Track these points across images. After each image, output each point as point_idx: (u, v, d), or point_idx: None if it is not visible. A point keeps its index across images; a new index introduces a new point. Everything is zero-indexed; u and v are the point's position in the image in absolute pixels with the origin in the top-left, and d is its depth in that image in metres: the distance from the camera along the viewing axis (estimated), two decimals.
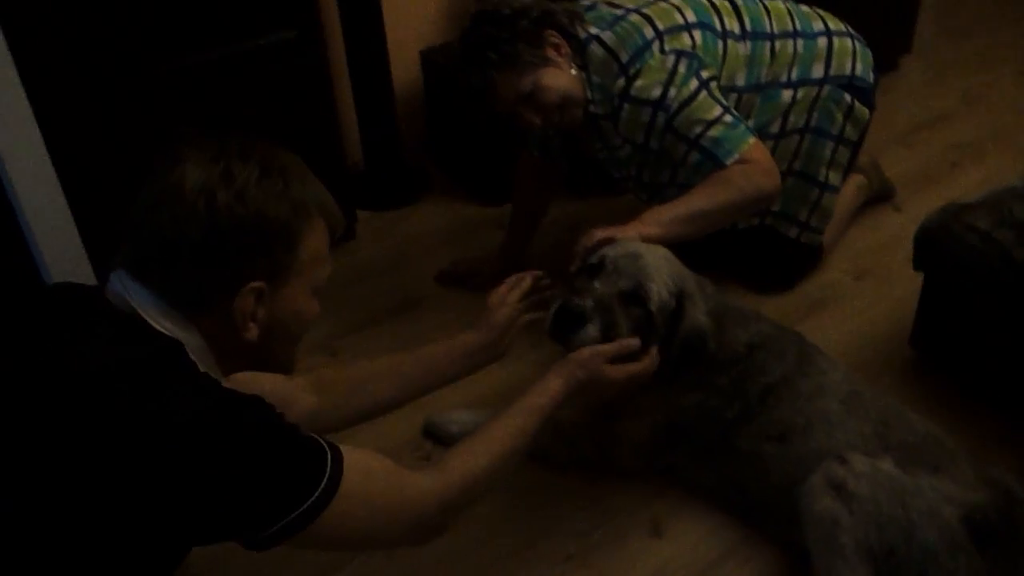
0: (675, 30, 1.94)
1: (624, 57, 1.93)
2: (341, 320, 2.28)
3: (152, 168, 1.11)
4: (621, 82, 1.93)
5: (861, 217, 2.57)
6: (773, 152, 2.03)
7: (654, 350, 1.53)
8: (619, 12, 1.99)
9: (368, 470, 1.14)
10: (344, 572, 1.64)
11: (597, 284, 1.57)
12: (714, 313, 1.65)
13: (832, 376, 1.67)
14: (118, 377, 1.00)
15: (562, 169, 2.34)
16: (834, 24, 2.16)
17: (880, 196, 2.63)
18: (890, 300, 2.26)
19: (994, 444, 1.79)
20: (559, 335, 1.54)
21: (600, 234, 1.71)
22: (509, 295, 1.60)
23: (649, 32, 1.93)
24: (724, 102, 1.93)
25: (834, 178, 2.20)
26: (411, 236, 2.66)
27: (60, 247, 2.02)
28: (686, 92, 1.90)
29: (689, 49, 1.93)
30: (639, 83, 1.92)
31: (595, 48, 1.96)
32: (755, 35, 2.04)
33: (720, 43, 1.99)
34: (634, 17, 1.96)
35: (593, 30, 1.97)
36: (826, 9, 2.23)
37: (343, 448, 1.12)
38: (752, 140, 1.90)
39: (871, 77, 2.17)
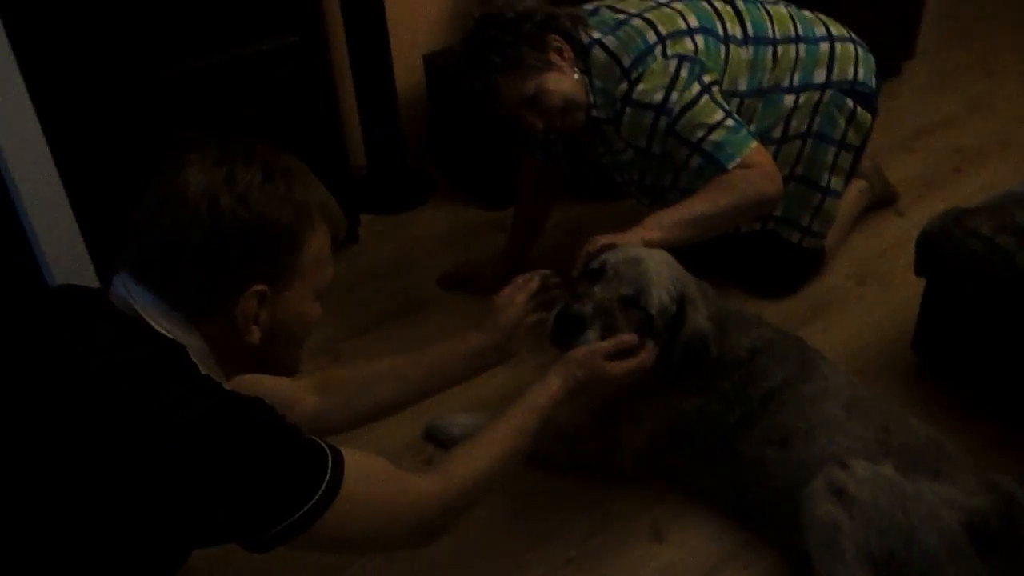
0: (677, 35, 1.95)
1: (626, 61, 1.93)
2: (343, 323, 2.28)
3: (156, 172, 1.11)
4: (623, 86, 1.94)
5: (864, 222, 2.57)
6: (775, 157, 2.03)
7: (650, 344, 1.53)
8: (622, 17, 1.99)
9: (369, 472, 1.14)
10: (345, 575, 1.64)
11: (597, 289, 1.57)
12: (716, 318, 1.64)
13: (834, 381, 1.67)
14: (119, 378, 1.00)
15: (564, 173, 2.35)
16: (836, 29, 2.16)
17: (883, 201, 2.63)
18: (892, 305, 2.26)
19: (996, 449, 1.79)
20: (560, 340, 1.54)
21: (603, 240, 1.71)
22: (516, 296, 1.60)
23: (651, 36, 1.93)
24: (726, 106, 1.93)
25: (836, 183, 2.20)
26: (414, 239, 2.67)
27: (63, 250, 2.03)
28: (688, 96, 1.90)
29: (691, 54, 1.93)
30: (641, 87, 1.92)
31: (598, 52, 1.96)
32: (757, 40, 2.05)
33: (722, 48, 1.99)
34: (637, 22, 1.96)
35: (596, 34, 1.97)
36: (829, 14, 2.23)
37: (344, 450, 1.12)
38: (754, 144, 1.90)
39: (873, 82, 2.18)
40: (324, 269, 1.18)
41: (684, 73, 1.91)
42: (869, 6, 3.00)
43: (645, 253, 1.63)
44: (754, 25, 2.06)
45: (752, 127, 2.00)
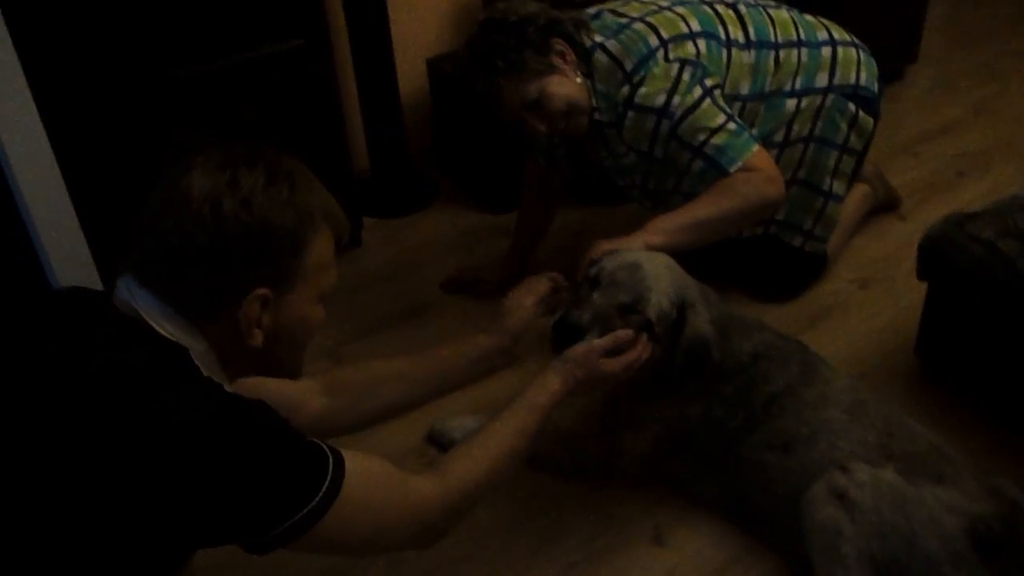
0: (679, 39, 1.95)
1: (629, 65, 1.94)
2: (346, 326, 2.29)
3: (159, 175, 1.11)
4: (625, 90, 1.94)
5: (866, 226, 2.57)
6: (777, 161, 2.03)
7: (644, 337, 1.53)
8: (624, 21, 2.00)
9: (369, 474, 1.14)
10: None
11: (596, 297, 1.57)
12: (718, 322, 1.65)
13: (836, 385, 1.67)
14: (121, 379, 1.01)
15: (567, 177, 2.35)
16: (838, 34, 2.17)
17: (885, 205, 2.63)
18: (895, 309, 2.26)
19: (999, 454, 1.79)
20: (559, 348, 1.54)
21: (606, 245, 1.71)
22: (525, 299, 1.60)
23: (654, 40, 1.94)
24: (728, 110, 1.93)
25: (838, 187, 2.20)
26: (417, 243, 2.67)
27: (67, 253, 2.03)
28: (690, 100, 1.90)
29: (693, 58, 1.94)
30: (643, 91, 1.92)
31: (600, 56, 1.96)
32: (759, 44, 2.05)
33: (724, 52, 2.00)
34: (639, 26, 1.97)
35: (598, 38, 1.98)
36: (832, 18, 2.23)
37: (345, 452, 1.12)
38: (756, 148, 1.90)
39: (876, 87, 2.18)
40: (327, 273, 1.18)
41: (686, 77, 1.91)
42: (872, 10, 3.01)
43: (645, 258, 1.62)
44: (756, 29, 2.06)
45: (754, 131, 2.00)
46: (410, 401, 1.54)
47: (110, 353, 1.04)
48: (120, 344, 1.06)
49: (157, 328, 1.08)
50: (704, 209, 1.87)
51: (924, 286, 1.99)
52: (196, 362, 1.10)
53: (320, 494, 1.06)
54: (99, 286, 2.02)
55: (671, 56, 1.93)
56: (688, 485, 1.76)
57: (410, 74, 2.83)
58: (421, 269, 2.54)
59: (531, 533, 1.73)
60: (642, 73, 1.93)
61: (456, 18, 2.93)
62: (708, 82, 1.93)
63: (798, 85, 2.09)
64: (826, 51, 2.12)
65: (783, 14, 2.13)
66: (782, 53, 2.07)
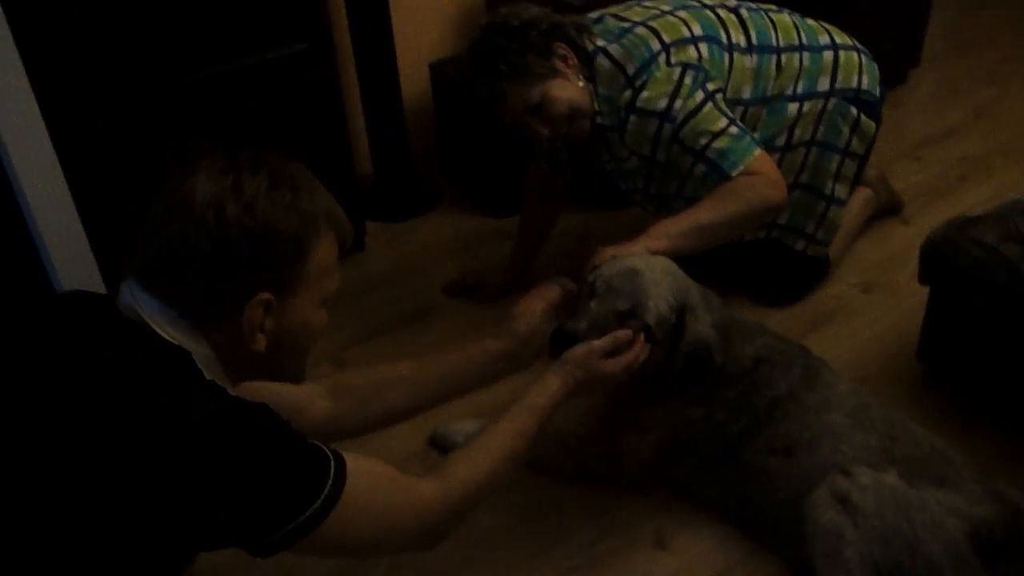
0: (681, 43, 1.96)
1: (631, 69, 1.94)
2: (349, 330, 2.29)
3: (163, 179, 1.12)
4: (627, 94, 1.94)
5: (869, 230, 2.57)
6: (779, 165, 2.03)
7: (641, 337, 1.53)
8: (626, 25, 2.00)
9: (371, 476, 1.15)
10: None
11: (594, 305, 1.57)
12: (720, 326, 1.65)
13: (838, 389, 1.67)
14: (124, 382, 1.01)
15: (569, 181, 2.35)
16: (840, 38, 2.17)
17: (888, 209, 2.63)
18: (897, 313, 2.26)
19: (1001, 459, 1.78)
20: (557, 357, 1.54)
21: (609, 251, 1.71)
22: (535, 304, 1.59)
23: (656, 45, 1.94)
24: (730, 114, 1.93)
25: (841, 191, 2.20)
26: (420, 247, 2.68)
27: (71, 257, 2.04)
28: (692, 104, 1.91)
29: (695, 62, 1.94)
30: (645, 95, 1.93)
31: (602, 60, 1.97)
32: (761, 48, 2.05)
33: (726, 56, 2.00)
34: (641, 30, 1.97)
35: (600, 42, 1.98)
36: (835, 22, 2.23)
37: (347, 455, 1.12)
38: (758, 152, 1.90)
39: (878, 91, 2.18)
40: (330, 277, 1.18)
41: (688, 81, 1.92)
42: (874, 14, 3.01)
43: (643, 264, 1.62)
44: (758, 33, 2.06)
45: (756, 135, 2.01)
46: (416, 405, 1.54)
47: (113, 356, 1.04)
48: (123, 347, 1.06)
49: (160, 332, 1.09)
50: (707, 213, 1.87)
51: (926, 290, 1.99)
52: (199, 366, 1.10)
53: (322, 497, 1.06)
54: (102, 290, 2.03)
55: (673, 60, 1.93)
56: (690, 489, 1.76)
57: (413, 78, 2.84)
58: (424, 273, 2.54)
59: (533, 537, 1.73)
60: (644, 77, 1.93)
61: (459, 22, 2.94)
62: (710, 86, 1.93)
63: (800, 89, 2.09)
64: (828, 55, 2.12)
65: (785, 18, 2.14)
66: (784, 57, 2.07)
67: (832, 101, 2.11)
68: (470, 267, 2.51)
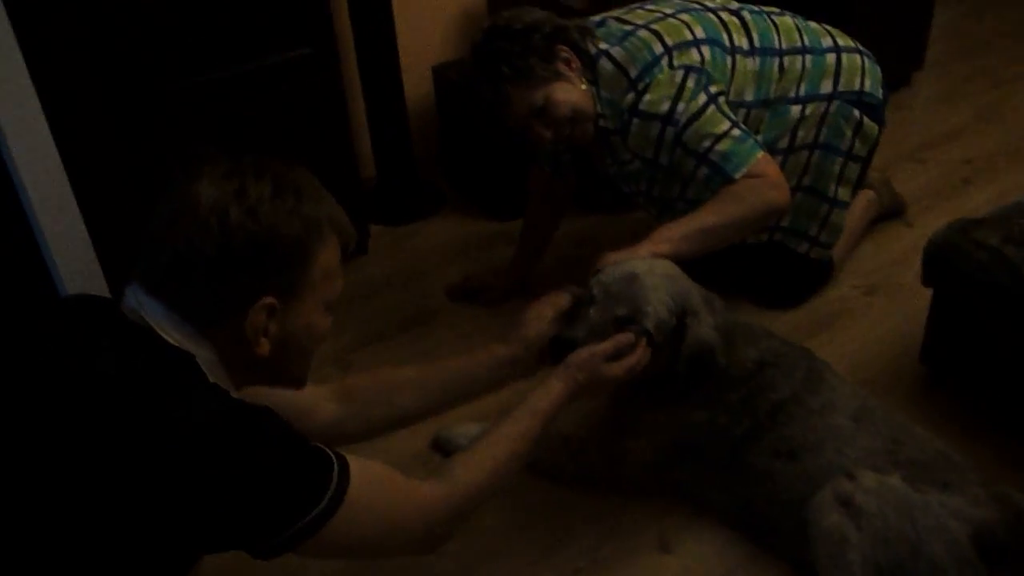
0: (684, 46, 1.96)
1: (633, 72, 1.94)
2: (353, 333, 2.30)
3: (167, 184, 1.12)
4: (630, 97, 1.95)
5: (872, 233, 2.57)
6: (782, 167, 2.03)
7: (643, 341, 1.53)
8: (629, 28, 2.00)
9: (374, 479, 1.15)
10: None
11: (592, 312, 1.57)
12: (723, 329, 1.65)
13: (841, 392, 1.66)
14: (127, 384, 1.01)
15: (572, 184, 2.36)
16: (843, 40, 2.17)
17: (891, 212, 2.63)
18: (901, 316, 2.25)
19: (1004, 461, 1.78)
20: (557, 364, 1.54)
21: (613, 256, 1.71)
22: (545, 311, 1.59)
23: (658, 48, 1.94)
24: (733, 117, 1.94)
25: (843, 194, 2.20)
26: (423, 251, 2.68)
27: (75, 260, 2.04)
28: (694, 107, 1.91)
29: (698, 64, 1.94)
30: (648, 98, 1.93)
31: (605, 63, 1.97)
32: (763, 51, 2.05)
33: (729, 59, 2.00)
34: (643, 33, 1.97)
35: (603, 45, 1.98)
36: (838, 25, 2.23)
37: (350, 458, 1.13)
38: (761, 154, 1.91)
39: (880, 93, 2.18)
40: (334, 282, 1.19)
41: (690, 84, 1.92)
42: (878, 17, 3.01)
43: (642, 268, 1.62)
44: (760, 36, 2.06)
45: (759, 137, 2.01)
46: (423, 409, 1.54)
47: (117, 359, 1.05)
48: (127, 350, 1.06)
49: (165, 336, 1.09)
50: (710, 217, 1.87)
51: (929, 292, 1.99)
52: (203, 369, 1.10)
53: (326, 499, 1.06)
54: (107, 294, 2.03)
55: (676, 63, 1.93)
56: (694, 493, 1.76)
57: (416, 82, 2.84)
58: (427, 276, 2.55)
59: (535, 540, 1.73)
60: (647, 80, 1.93)
61: (462, 26, 2.95)
62: (712, 89, 1.94)
63: (802, 92, 2.09)
64: (830, 57, 2.12)
65: (787, 21, 2.14)
66: (786, 60, 2.07)
67: (835, 104, 2.11)
68: (473, 270, 2.52)
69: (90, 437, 0.98)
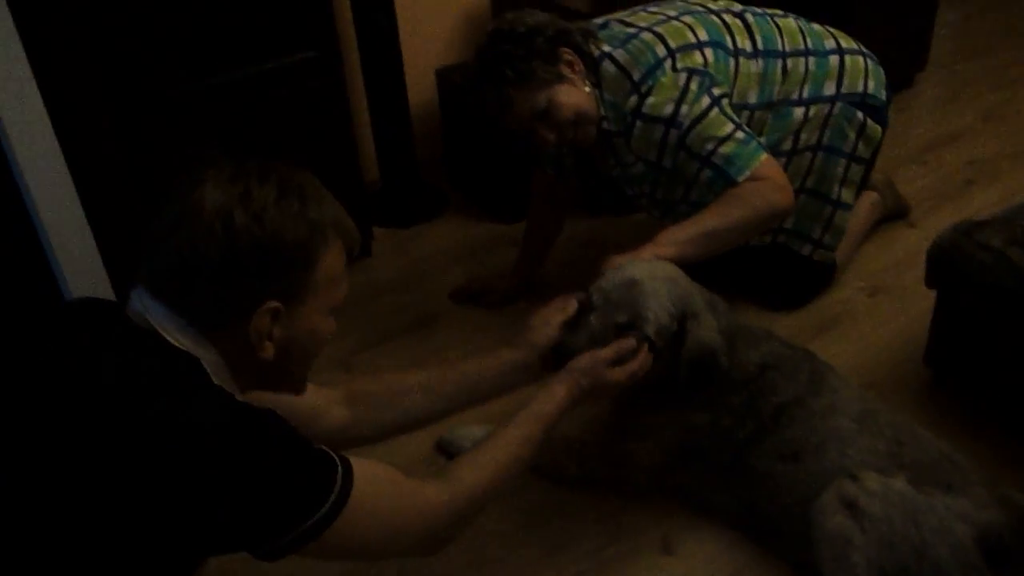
0: (687, 48, 1.96)
1: (636, 75, 1.94)
2: (357, 336, 2.30)
3: (171, 188, 1.13)
4: (633, 99, 1.95)
5: (875, 234, 2.57)
6: (785, 170, 2.03)
7: (645, 346, 1.54)
8: (632, 31, 2.01)
9: (378, 481, 1.15)
10: None
11: (593, 319, 1.57)
12: (726, 332, 1.65)
13: (845, 394, 1.66)
14: (132, 387, 1.02)
15: (575, 187, 2.36)
16: (846, 42, 2.17)
17: (895, 214, 2.63)
18: (904, 318, 2.25)
19: (1008, 463, 1.78)
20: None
21: (617, 259, 1.72)
22: (553, 317, 1.60)
23: (661, 50, 1.95)
24: (736, 119, 1.94)
25: (847, 195, 2.20)
26: (427, 253, 2.68)
27: (80, 264, 2.05)
28: (698, 109, 1.91)
29: (701, 67, 1.95)
30: (651, 100, 1.93)
31: (608, 66, 1.97)
32: (767, 53, 2.05)
33: (732, 61, 2.00)
34: (646, 36, 1.98)
35: (606, 48, 1.99)
36: (841, 27, 2.24)
37: (353, 460, 1.13)
38: (764, 156, 1.91)
39: (883, 95, 2.18)
40: (338, 285, 1.19)
41: (694, 86, 1.92)
42: (881, 19, 3.01)
43: (643, 273, 1.61)
44: (764, 38, 2.06)
45: (762, 140, 2.01)
46: (431, 414, 1.54)
47: (122, 361, 1.05)
48: (132, 353, 1.07)
49: (169, 339, 1.09)
50: (713, 219, 1.87)
51: (933, 294, 1.99)
52: (208, 372, 1.11)
53: (330, 501, 1.07)
54: (112, 297, 2.04)
55: (679, 66, 1.94)
56: (697, 495, 1.76)
57: (419, 85, 2.85)
58: (430, 279, 2.55)
59: (539, 542, 1.73)
60: (650, 83, 1.94)
61: (465, 29, 2.95)
62: (716, 91, 1.94)
63: (806, 94, 2.09)
64: (833, 59, 2.12)
65: (790, 23, 2.14)
66: (790, 62, 2.07)
67: (838, 105, 2.11)
68: (477, 273, 2.52)
69: (95, 439, 0.99)
